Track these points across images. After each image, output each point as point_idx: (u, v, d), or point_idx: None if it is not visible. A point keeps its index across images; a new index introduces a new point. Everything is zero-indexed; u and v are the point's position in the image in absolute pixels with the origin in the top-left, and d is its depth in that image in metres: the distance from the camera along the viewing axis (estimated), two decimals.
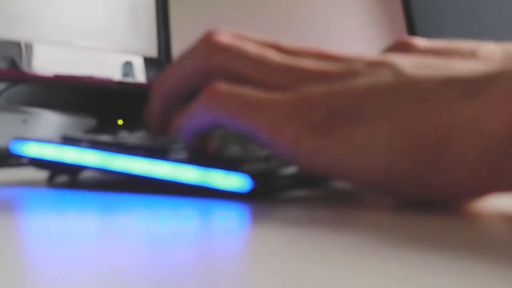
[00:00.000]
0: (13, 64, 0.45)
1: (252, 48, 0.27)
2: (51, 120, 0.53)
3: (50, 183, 0.33)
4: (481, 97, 0.21)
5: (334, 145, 0.23)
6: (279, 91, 0.26)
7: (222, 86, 0.26)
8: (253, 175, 0.26)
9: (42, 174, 0.34)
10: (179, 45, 0.60)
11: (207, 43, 0.28)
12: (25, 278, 0.14)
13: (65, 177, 0.34)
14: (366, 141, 0.23)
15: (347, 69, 0.25)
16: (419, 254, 0.16)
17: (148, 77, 0.58)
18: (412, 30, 0.86)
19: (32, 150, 0.31)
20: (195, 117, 0.27)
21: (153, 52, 0.59)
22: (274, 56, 0.27)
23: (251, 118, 0.25)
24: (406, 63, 0.25)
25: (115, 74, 0.56)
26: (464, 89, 0.22)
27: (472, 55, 0.27)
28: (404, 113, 0.22)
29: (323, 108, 0.24)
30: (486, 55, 0.27)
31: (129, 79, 0.57)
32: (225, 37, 0.28)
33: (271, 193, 0.29)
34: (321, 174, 0.24)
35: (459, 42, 0.32)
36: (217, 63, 0.27)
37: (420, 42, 0.34)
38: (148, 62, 0.58)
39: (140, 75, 0.58)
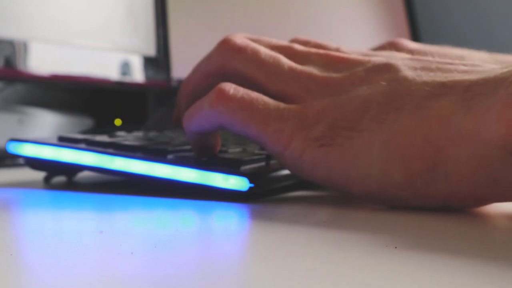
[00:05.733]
0: (9, 63, 0.45)
1: (264, 52, 0.28)
2: (47, 120, 0.52)
3: (47, 184, 0.33)
4: (477, 108, 0.21)
5: (333, 155, 0.24)
6: (287, 101, 0.26)
7: (231, 89, 0.26)
8: (251, 177, 0.26)
9: (38, 175, 0.34)
10: (177, 44, 0.60)
11: (223, 46, 0.29)
12: (21, 281, 0.14)
13: (61, 178, 0.34)
14: (362, 151, 0.23)
15: (350, 76, 0.26)
16: (417, 253, 0.16)
17: (146, 76, 0.58)
18: (413, 21, 0.86)
19: (28, 150, 0.31)
20: (200, 118, 0.27)
21: (151, 51, 0.58)
22: (285, 62, 0.28)
23: (259, 130, 0.26)
24: (408, 65, 0.25)
25: (112, 73, 0.55)
26: (460, 96, 0.22)
27: (460, 60, 0.27)
28: (400, 124, 0.23)
29: (325, 121, 0.25)
30: (475, 61, 0.27)
31: (127, 78, 0.57)
32: (239, 40, 0.29)
33: (270, 194, 0.28)
34: (320, 183, 0.25)
35: (448, 47, 0.33)
36: (231, 65, 0.28)
37: (410, 44, 0.35)
38: (146, 61, 0.58)
39: (138, 74, 0.58)
